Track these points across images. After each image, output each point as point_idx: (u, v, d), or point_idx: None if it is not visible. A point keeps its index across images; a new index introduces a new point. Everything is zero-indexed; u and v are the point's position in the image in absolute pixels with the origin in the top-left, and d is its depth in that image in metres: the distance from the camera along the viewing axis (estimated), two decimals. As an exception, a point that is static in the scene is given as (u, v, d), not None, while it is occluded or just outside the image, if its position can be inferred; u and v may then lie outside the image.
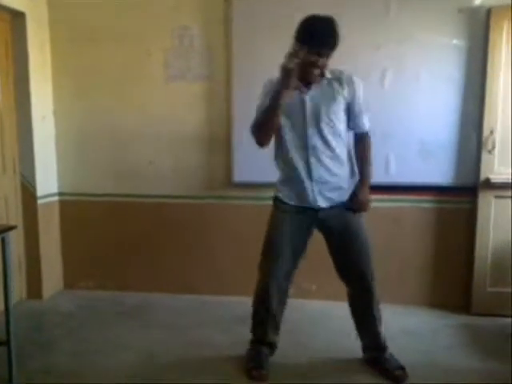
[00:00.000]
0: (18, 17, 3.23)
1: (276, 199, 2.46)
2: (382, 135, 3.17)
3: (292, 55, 2.04)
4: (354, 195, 2.40)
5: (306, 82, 2.25)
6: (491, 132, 3.06)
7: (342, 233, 2.39)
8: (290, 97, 2.16)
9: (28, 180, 3.38)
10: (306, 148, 2.29)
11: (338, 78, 2.29)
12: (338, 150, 2.32)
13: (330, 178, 2.32)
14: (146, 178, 3.53)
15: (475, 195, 3.16)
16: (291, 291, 2.55)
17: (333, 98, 2.27)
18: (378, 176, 3.23)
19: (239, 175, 3.37)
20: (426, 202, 3.30)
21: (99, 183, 3.58)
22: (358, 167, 2.44)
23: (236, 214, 3.47)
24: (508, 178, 3.06)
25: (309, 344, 2.78)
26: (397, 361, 2.44)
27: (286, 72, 2.05)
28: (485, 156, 3.09)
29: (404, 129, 3.20)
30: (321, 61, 2.17)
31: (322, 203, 2.34)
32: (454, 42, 3.09)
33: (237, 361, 2.55)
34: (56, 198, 3.62)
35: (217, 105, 3.38)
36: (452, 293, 3.30)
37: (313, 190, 2.32)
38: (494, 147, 3.07)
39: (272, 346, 2.52)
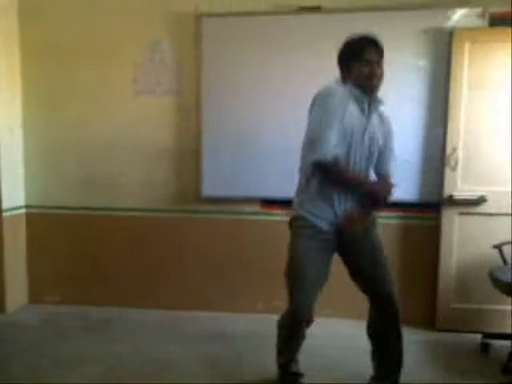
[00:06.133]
0: (-13, 28, 3.24)
1: (301, 220, 2.29)
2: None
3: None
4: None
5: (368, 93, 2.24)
6: (454, 150, 3.13)
7: (371, 249, 2.31)
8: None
9: (-7, 192, 3.35)
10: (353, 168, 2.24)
11: (381, 113, 2.31)
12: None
13: (359, 198, 2.26)
14: (116, 191, 3.52)
15: (439, 212, 3.21)
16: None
17: (382, 131, 2.29)
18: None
19: (208, 189, 3.38)
20: (390, 218, 3.32)
21: (68, 196, 3.56)
22: None
23: (205, 228, 3.48)
24: (471, 195, 3.12)
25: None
26: None
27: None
28: (448, 173, 3.15)
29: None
30: (380, 69, 2.23)
31: None
32: (419, 62, 3.17)
33: (191, 378, 2.55)
34: (23, 211, 3.59)
35: (186, 118, 3.40)
36: (417, 309, 3.30)
37: (345, 211, 2.24)
38: (456, 164, 3.14)
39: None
